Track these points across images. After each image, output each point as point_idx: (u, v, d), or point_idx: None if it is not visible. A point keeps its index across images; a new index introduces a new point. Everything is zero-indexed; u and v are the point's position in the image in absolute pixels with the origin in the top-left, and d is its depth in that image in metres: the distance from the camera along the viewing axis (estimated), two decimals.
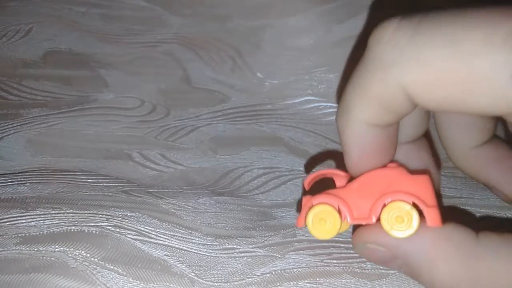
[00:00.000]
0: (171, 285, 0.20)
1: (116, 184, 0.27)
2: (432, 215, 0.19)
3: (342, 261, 0.22)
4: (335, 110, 0.32)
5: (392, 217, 0.19)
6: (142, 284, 0.20)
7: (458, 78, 0.16)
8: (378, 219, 0.19)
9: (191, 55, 0.36)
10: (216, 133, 0.32)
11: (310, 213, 0.20)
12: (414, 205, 0.19)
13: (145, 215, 0.24)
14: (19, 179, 0.26)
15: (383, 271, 0.22)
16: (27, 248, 0.21)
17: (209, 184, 0.29)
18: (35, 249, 0.21)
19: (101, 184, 0.27)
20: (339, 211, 0.20)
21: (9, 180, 0.26)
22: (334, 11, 0.34)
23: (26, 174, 0.27)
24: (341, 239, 0.24)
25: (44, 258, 0.20)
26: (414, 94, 0.17)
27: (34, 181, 0.26)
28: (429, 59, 0.17)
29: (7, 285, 0.19)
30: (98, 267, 0.20)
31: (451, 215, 0.19)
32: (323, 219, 0.20)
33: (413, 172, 0.20)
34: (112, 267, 0.20)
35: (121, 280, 0.20)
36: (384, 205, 0.19)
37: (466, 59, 0.16)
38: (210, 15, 0.36)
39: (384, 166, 0.20)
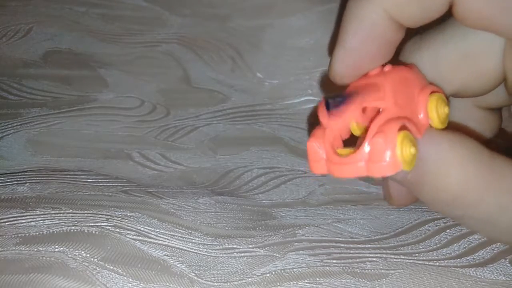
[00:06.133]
0: (171, 285, 0.20)
1: (116, 184, 0.27)
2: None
3: (342, 261, 0.22)
4: None
5: (438, 112, 0.18)
6: (142, 284, 0.20)
7: None
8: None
9: (191, 55, 0.36)
10: (216, 133, 0.32)
11: (403, 146, 0.17)
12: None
13: (145, 215, 0.24)
14: (18, 179, 0.26)
15: (383, 271, 0.22)
16: (27, 248, 0.21)
17: (209, 184, 0.29)
18: (35, 249, 0.21)
19: (101, 184, 0.27)
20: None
21: (9, 180, 0.26)
22: (334, 11, 0.34)
23: (25, 174, 0.27)
24: (341, 239, 0.24)
25: (44, 258, 0.20)
26: None
27: (33, 181, 0.26)
28: None
29: (7, 285, 0.19)
30: (98, 268, 0.20)
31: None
32: (410, 145, 0.18)
33: (398, 64, 0.19)
34: (112, 267, 0.20)
35: (121, 281, 0.20)
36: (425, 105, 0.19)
37: None
38: (210, 15, 0.36)
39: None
